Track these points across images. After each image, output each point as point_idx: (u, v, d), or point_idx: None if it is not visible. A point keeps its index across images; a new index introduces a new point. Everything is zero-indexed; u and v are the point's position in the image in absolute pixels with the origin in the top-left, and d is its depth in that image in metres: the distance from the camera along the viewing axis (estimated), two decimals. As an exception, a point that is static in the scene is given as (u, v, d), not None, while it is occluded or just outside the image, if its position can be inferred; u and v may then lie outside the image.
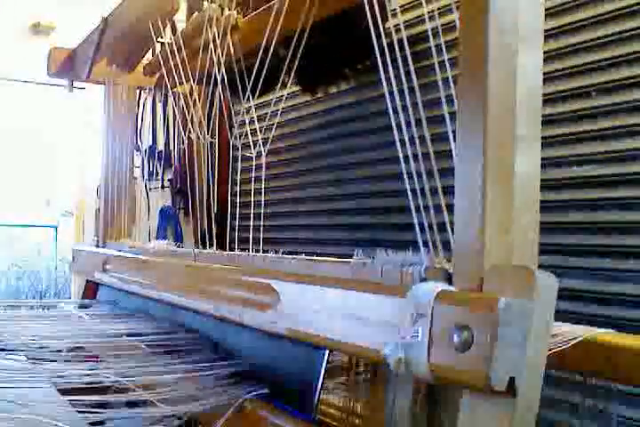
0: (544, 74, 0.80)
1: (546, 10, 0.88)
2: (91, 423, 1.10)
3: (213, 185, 1.72)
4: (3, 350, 1.49)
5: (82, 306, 2.22)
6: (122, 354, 1.49)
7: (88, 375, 1.27)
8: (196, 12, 1.93)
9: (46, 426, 1.02)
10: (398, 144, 0.92)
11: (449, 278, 0.80)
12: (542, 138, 0.80)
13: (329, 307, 0.95)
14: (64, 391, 1.22)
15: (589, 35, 1.58)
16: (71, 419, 1.06)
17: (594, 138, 1.56)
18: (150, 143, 3.42)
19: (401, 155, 0.93)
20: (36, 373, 1.32)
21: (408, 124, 0.93)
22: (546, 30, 1.28)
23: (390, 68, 0.96)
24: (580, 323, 1.03)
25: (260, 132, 1.61)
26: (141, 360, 1.44)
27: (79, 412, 1.08)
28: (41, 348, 1.49)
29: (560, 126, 1.62)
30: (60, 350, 1.53)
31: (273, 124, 1.71)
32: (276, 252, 1.33)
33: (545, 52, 0.81)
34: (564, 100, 1.62)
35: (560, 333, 0.99)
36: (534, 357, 0.69)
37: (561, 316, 0.80)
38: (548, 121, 1.60)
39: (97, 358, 1.66)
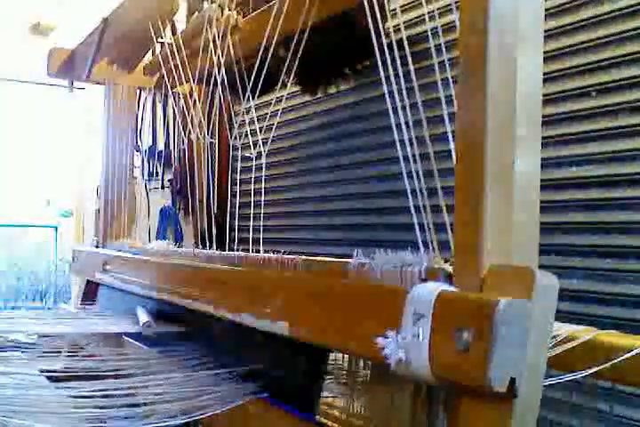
0: (544, 74, 0.80)
1: (546, 10, 0.88)
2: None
3: (213, 185, 1.72)
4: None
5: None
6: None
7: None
8: (196, 13, 1.93)
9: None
10: (398, 144, 0.92)
11: (449, 279, 0.80)
12: (542, 138, 0.80)
13: (328, 307, 0.95)
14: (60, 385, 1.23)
15: (589, 35, 1.58)
16: (71, 419, 1.06)
17: (594, 138, 1.56)
18: (150, 143, 3.42)
19: (401, 155, 0.93)
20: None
21: (408, 124, 0.93)
22: (546, 30, 1.28)
23: (390, 69, 0.96)
24: (580, 323, 1.03)
25: (260, 132, 1.61)
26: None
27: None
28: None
29: (560, 126, 1.62)
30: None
31: (273, 125, 1.71)
32: (276, 252, 1.33)
33: (545, 52, 0.81)
34: (564, 100, 1.62)
35: (560, 333, 0.99)
36: (535, 357, 0.69)
37: (561, 316, 0.80)
38: (547, 121, 1.60)
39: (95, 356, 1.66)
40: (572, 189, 1.59)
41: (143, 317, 1.61)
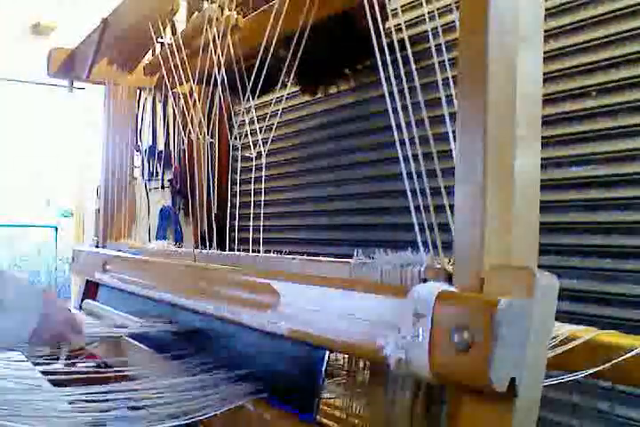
0: (544, 74, 0.80)
1: (546, 10, 0.88)
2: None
3: (213, 185, 1.72)
4: None
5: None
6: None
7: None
8: (196, 13, 1.93)
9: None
10: (398, 144, 0.92)
11: (449, 279, 0.80)
12: (542, 138, 0.80)
13: (329, 307, 0.95)
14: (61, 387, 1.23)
15: (589, 35, 1.58)
16: (71, 422, 1.06)
17: (594, 138, 1.56)
18: (150, 143, 3.42)
19: (401, 155, 0.93)
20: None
21: (408, 124, 0.93)
22: (546, 30, 1.28)
23: (390, 69, 0.96)
24: (580, 323, 1.03)
25: (260, 132, 1.61)
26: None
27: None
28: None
29: (560, 126, 1.62)
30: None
31: (273, 125, 1.71)
32: (277, 252, 1.33)
33: (545, 52, 0.81)
34: (564, 100, 1.62)
35: (560, 333, 0.99)
36: (535, 357, 0.69)
37: (561, 316, 0.80)
38: (548, 121, 1.60)
39: (96, 357, 1.66)
40: (572, 189, 1.59)
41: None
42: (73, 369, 1.41)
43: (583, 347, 0.96)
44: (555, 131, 1.62)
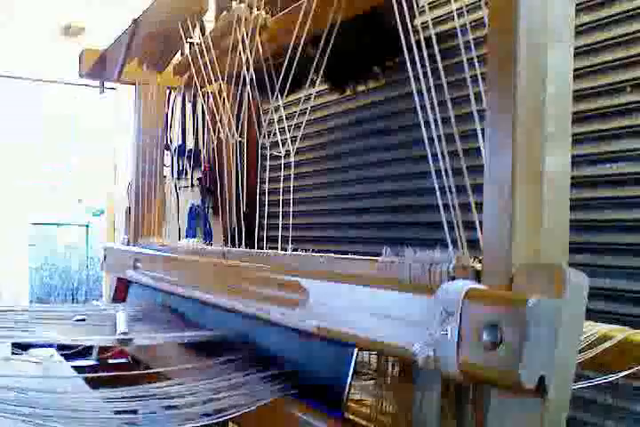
0: (575, 70, 0.79)
1: (577, 5, 0.86)
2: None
3: (242, 184, 1.73)
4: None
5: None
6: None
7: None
8: (225, 12, 1.94)
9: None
10: (427, 142, 0.92)
11: (478, 277, 0.80)
12: (581, 134, 0.79)
13: (357, 305, 0.96)
14: (94, 385, 1.24)
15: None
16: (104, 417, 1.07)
17: (630, 134, 1.54)
18: (180, 142, 3.45)
19: (429, 153, 0.92)
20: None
21: (437, 121, 0.93)
22: (577, 26, 1.26)
23: (419, 66, 0.95)
24: (613, 323, 1.02)
25: (289, 130, 1.61)
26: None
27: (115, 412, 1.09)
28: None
29: (593, 123, 1.60)
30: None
31: (301, 123, 1.72)
32: (305, 250, 1.33)
33: (575, 48, 0.80)
34: (596, 97, 1.60)
35: (593, 332, 0.98)
36: (564, 356, 0.69)
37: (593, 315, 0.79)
38: (578, 118, 1.58)
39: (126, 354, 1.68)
40: (607, 187, 1.57)
41: (122, 325, 1.53)
42: (105, 367, 1.43)
43: (617, 347, 0.95)
44: (586, 128, 1.60)
